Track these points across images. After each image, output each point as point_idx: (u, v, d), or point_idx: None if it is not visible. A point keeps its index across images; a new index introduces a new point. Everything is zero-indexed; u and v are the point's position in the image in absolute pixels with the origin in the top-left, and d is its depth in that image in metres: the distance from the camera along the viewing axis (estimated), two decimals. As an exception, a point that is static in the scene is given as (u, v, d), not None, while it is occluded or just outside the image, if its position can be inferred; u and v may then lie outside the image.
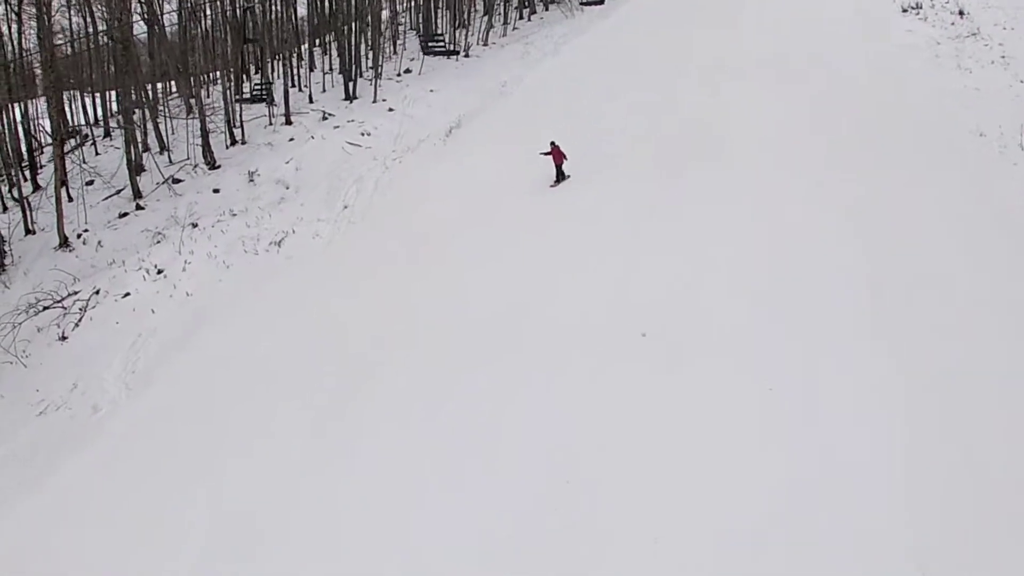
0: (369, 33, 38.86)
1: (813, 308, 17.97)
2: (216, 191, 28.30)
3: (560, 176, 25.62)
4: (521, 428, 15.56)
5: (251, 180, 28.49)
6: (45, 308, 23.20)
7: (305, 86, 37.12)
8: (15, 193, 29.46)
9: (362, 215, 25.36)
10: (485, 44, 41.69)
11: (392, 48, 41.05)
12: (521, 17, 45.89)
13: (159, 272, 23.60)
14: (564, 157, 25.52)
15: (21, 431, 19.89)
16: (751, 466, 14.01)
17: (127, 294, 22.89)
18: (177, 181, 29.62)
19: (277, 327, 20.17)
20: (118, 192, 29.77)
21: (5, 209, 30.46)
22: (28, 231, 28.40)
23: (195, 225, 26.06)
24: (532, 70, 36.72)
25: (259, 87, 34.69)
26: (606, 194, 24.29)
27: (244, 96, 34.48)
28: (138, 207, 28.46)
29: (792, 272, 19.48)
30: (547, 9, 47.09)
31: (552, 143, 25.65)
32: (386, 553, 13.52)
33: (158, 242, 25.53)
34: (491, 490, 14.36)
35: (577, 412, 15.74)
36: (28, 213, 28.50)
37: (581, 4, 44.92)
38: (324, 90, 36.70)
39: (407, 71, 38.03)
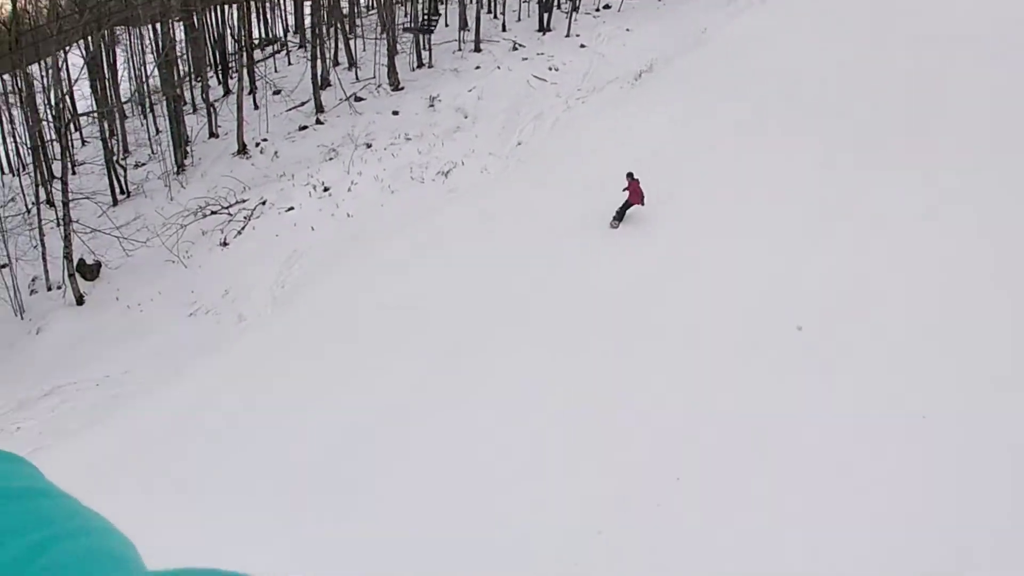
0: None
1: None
2: (395, 113, 27.79)
3: (621, 214, 20.31)
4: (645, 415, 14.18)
5: (431, 105, 27.81)
6: (212, 212, 23.38)
7: (501, 13, 36.03)
8: (205, 96, 29.92)
9: (534, 154, 24.20)
10: (693, -15, 39.40)
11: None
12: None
13: (325, 190, 23.32)
14: (641, 198, 20.10)
15: (172, 328, 20.15)
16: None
17: (291, 208, 22.74)
18: (359, 99, 29.30)
19: (427, 260, 19.40)
20: (302, 104, 29.75)
21: (195, 110, 31.07)
22: (212, 134, 28.81)
23: (369, 146, 25.64)
24: (736, 18, 34.28)
25: (425, 18, 33.73)
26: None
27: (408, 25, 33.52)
28: (318, 121, 28.32)
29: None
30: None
31: (630, 175, 20.41)
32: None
33: (330, 159, 25.26)
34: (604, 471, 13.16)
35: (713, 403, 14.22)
36: (213, 117, 28.88)
37: None
38: (519, 19, 35.50)
39: (606, 6, 36.25)
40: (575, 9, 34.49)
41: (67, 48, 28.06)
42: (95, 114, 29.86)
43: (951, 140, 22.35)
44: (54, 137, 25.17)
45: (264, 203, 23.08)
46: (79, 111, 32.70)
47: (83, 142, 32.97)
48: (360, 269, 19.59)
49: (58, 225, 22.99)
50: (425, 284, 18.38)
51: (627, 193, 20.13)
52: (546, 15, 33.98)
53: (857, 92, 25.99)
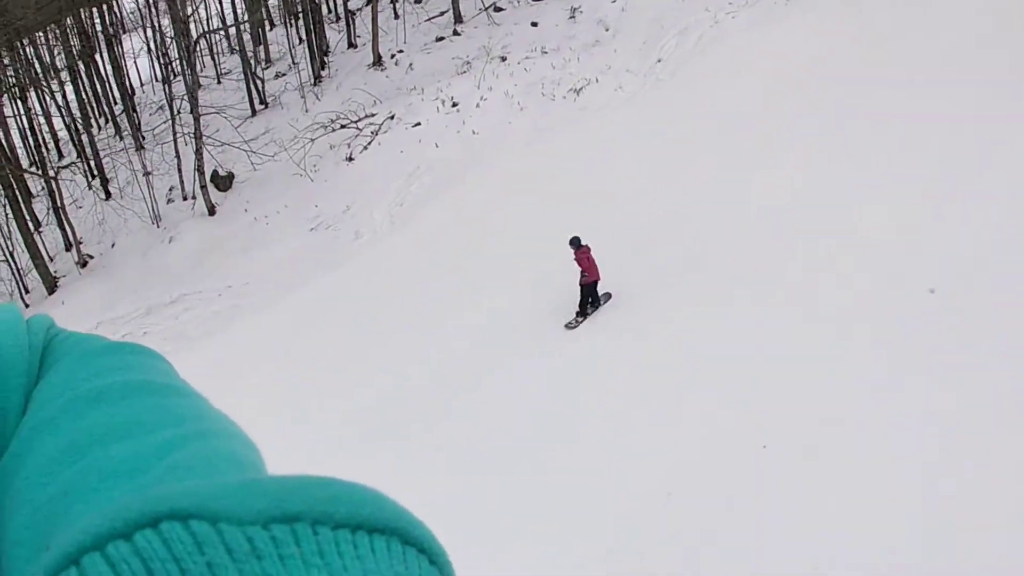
0: None
1: None
2: (534, 24, 26.58)
3: (586, 306, 14.44)
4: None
5: (572, 16, 26.45)
6: (342, 127, 23.05)
7: None
8: (345, 4, 29.49)
9: (673, 74, 22.63)
10: None
11: None
12: None
13: (454, 105, 22.58)
14: (594, 271, 14.20)
15: (293, 241, 20.13)
16: None
17: (418, 123, 22.14)
18: (499, 10, 28.19)
19: (539, 185, 18.40)
20: (441, 14, 28.91)
21: (338, 19, 30.75)
22: (350, 44, 28.43)
23: (503, 59, 24.65)
24: None
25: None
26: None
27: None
28: (455, 33, 27.45)
29: None
30: None
31: (575, 242, 14.19)
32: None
33: (462, 73, 24.43)
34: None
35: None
36: (352, 26, 28.44)
37: None
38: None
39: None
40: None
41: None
42: (233, 26, 29.90)
43: None
44: (183, 54, 25.24)
45: (392, 118, 22.58)
46: (227, 22, 32.94)
47: (231, 50, 33.34)
48: (478, 190, 18.86)
49: (193, 137, 23.20)
50: (532, 212, 17.39)
51: (583, 271, 14.24)
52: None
53: None
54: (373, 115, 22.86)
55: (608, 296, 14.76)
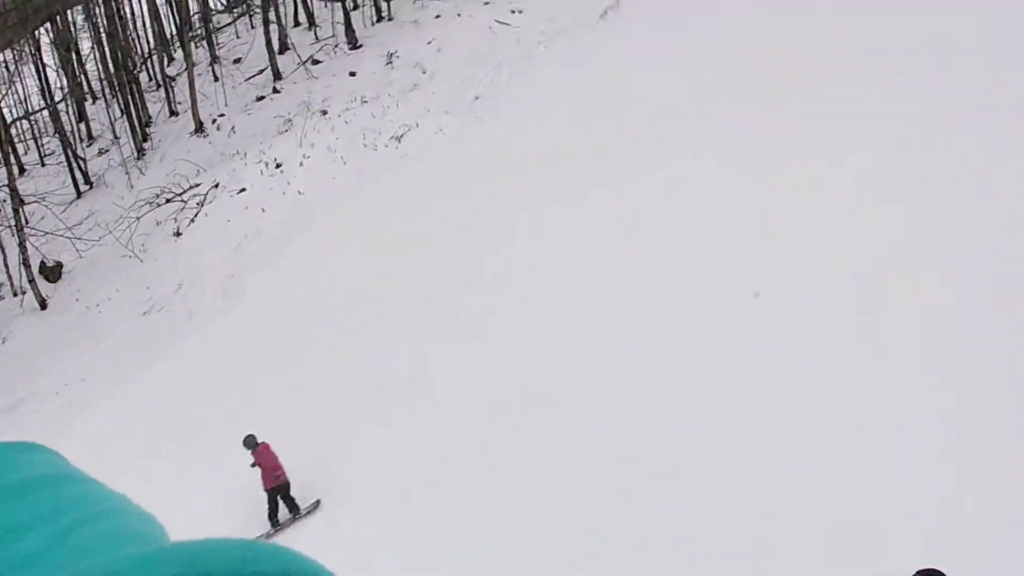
0: None
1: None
2: (352, 74, 26.74)
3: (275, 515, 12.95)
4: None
5: (389, 62, 26.72)
6: (167, 201, 22.74)
7: None
8: (162, 71, 29.10)
9: (492, 111, 23.10)
10: None
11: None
12: None
13: (277, 166, 22.53)
14: (277, 471, 12.78)
15: (126, 327, 19.74)
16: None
17: (243, 189, 22.01)
18: (316, 62, 28.28)
19: (363, 241, 18.51)
20: (260, 72, 28.80)
21: (159, 87, 30.27)
22: (172, 112, 28.06)
23: (324, 112, 24.72)
24: None
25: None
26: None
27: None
28: (275, 90, 27.40)
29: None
30: None
31: (250, 442, 12.95)
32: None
33: (284, 131, 24.40)
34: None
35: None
36: (171, 94, 28.08)
37: None
38: (487, -43, 33.88)
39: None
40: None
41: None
42: (46, 108, 29.15)
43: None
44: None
45: (217, 186, 22.39)
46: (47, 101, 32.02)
47: (53, 132, 32.45)
48: (302, 253, 18.87)
49: (16, 230, 22.51)
50: (358, 274, 17.49)
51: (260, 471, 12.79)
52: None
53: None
54: (198, 185, 22.62)
55: (316, 504, 12.86)
